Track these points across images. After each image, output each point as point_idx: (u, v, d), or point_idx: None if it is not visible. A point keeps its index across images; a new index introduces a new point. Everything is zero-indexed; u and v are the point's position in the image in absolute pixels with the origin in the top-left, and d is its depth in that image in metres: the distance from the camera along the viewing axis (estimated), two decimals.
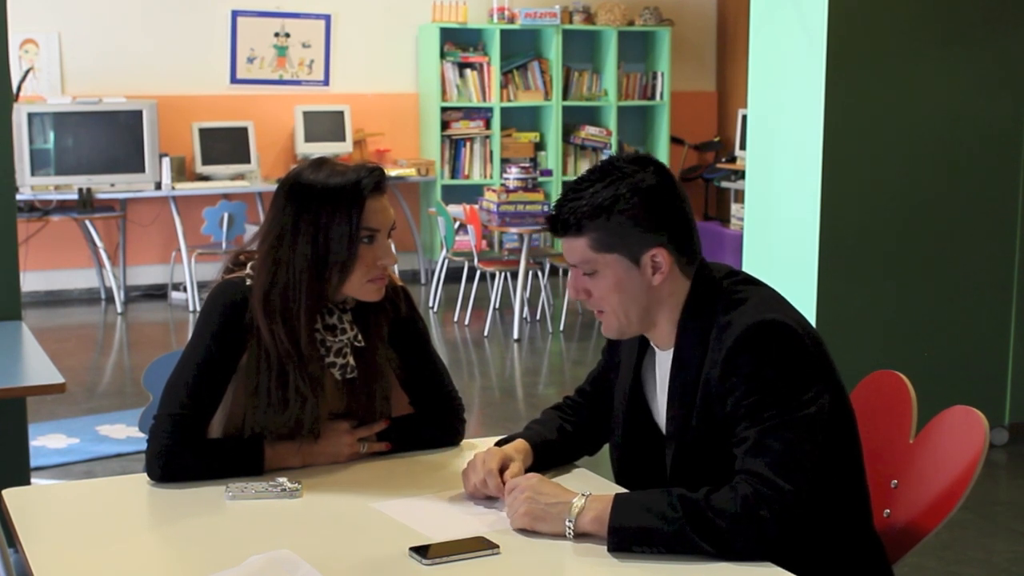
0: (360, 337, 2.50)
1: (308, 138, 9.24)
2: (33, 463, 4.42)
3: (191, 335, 2.46)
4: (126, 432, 5.57)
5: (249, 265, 2.47)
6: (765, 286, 2.24)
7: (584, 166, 10.04)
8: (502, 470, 2.28)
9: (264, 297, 2.39)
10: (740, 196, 8.83)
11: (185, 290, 8.73)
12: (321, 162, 2.44)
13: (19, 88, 8.29)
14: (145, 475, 2.41)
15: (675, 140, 10.42)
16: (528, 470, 2.34)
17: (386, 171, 2.45)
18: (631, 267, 2.16)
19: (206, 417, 2.42)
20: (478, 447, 2.50)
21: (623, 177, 2.14)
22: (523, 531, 2.10)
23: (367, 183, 2.38)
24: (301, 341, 2.40)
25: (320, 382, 2.44)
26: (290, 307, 2.39)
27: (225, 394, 2.45)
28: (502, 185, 7.81)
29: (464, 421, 2.64)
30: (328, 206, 2.37)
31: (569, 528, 2.06)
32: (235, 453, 2.41)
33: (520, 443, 2.39)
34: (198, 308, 4.62)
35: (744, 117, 8.98)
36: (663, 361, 2.26)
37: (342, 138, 9.34)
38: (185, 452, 2.37)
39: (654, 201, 2.14)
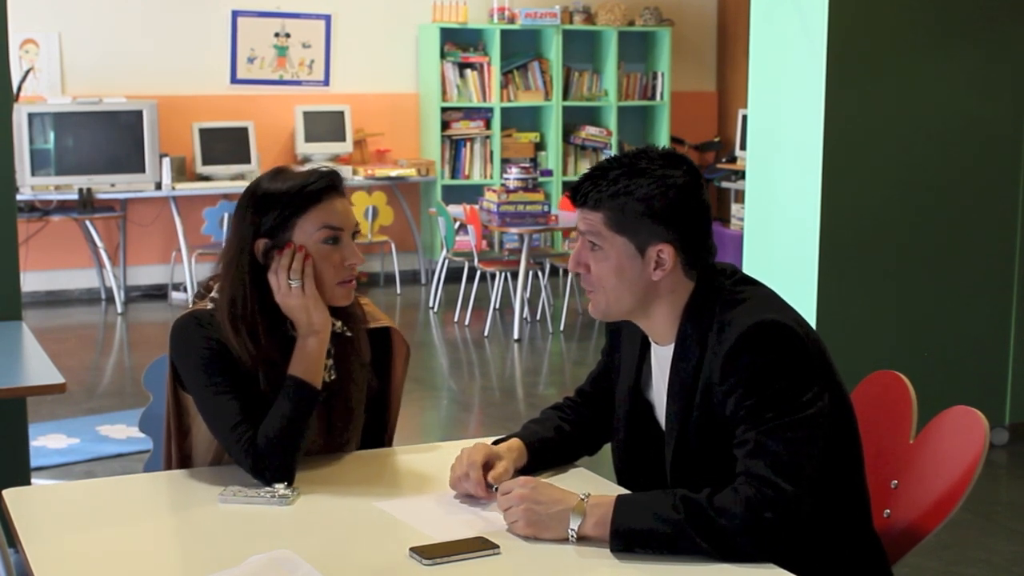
0: (343, 328, 2.50)
1: (308, 138, 9.24)
2: (33, 463, 4.41)
3: (189, 384, 2.42)
4: (126, 432, 5.57)
5: (214, 290, 2.47)
6: (764, 286, 2.24)
7: (584, 166, 10.03)
8: (488, 466, 2.28)
9: (229, 311, 2.39)
10: (740, 196, 8.82)
11: (185, 290, 8.72)
12: (279, 171, 2.46)
13: (19, 88, 8.28)
14: (145, 475, 2.41)
15: (675, 140, 10.41)
16: (524, 469, 2.34)
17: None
18: (635, 255, 2.16)
19: (261, 417, 2.37)
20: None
21: (652, 171, 2.15)
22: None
23: (321, 183, 2.40)
24: (268, 347, 2.39)
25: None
26: (252, 316, 2.38)
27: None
28: (502, 185, 7.81)
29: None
30: (288, 210, 2.38)
31: (572, 534, 2.05)
32: (288, 401, 2.36)
33: (513, 442, 2.38)
34: None
35: (744, 117, 8.97)
36: (663, 358, 2.26)
37: (342, 138, 9.34)
38: (265, 448, 2.33)
39: (677, 200, 2.15)
